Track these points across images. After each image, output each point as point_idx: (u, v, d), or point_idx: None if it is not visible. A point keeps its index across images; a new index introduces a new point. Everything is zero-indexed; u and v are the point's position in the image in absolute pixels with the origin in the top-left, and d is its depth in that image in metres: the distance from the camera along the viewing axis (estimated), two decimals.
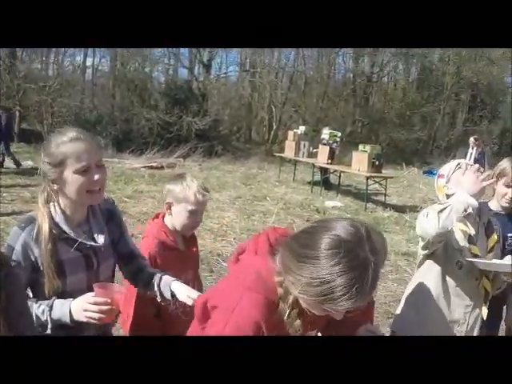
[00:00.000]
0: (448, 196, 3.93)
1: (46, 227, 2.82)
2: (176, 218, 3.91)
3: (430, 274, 4.00)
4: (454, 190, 3.84)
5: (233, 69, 40.73)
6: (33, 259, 2.81)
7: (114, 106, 33.65)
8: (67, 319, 2.74)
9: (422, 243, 3.87)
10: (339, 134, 20.58)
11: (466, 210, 3.55)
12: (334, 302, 2.00)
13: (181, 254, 3.94)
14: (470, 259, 3.79)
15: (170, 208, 3.91)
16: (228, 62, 40.74)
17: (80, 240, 2.91)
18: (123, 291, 2.85)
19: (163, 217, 4.00)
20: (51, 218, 2.88)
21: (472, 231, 3.91)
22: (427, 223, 3.60)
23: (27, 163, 20.62)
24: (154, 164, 22.80)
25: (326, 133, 20.29)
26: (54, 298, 2.80)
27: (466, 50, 38.87)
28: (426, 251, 3.94)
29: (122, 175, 19.45)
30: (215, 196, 16.37)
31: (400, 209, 16.86)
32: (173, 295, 3.24)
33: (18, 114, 31.07)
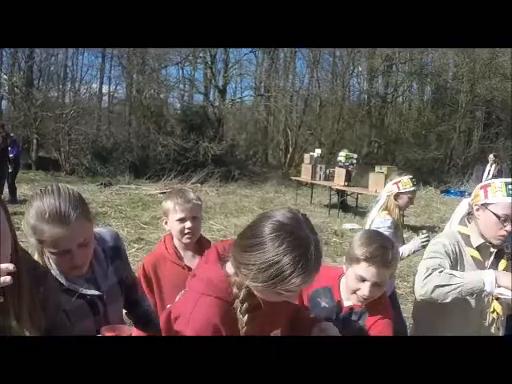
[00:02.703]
0: (477, 207, 3.78)
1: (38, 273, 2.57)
2: (172, 231, 4.11)
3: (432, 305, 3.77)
4: (481, 218, 3.73)
5: (247, 93, 40.78)
6: None
7: (131, 132, 33.74)
8: None
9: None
10: (355, 156, 20.53)
11: (474, 294, 3.46)
12: (285, 282, 2.15)
13: (185, 268, 4.03)
14: (497, 293, 3.49)
15: (166, 224, 4.14)
16: (243, 87, 40.70)
17: (79, 292, 2.76)
18: (132, 332, 2.75)
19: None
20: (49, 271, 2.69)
21: (484, 259, 3.80)
22: (420, 284, 3.50)
23: None
24: (172, 190, 22.71)
25: (342, 155, 20.25)
26: None
27: (480, 66, 38.86)
28: None
29: (139, 201, 19.49)
30: (233, 221, 16.39)
31: (418, 229, 16.65)
32: None
33: (35, 141, 31.29)
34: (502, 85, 39.45)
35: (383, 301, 3.35)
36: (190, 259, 4.09)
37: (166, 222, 4.13)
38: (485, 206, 3.70)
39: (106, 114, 37.08)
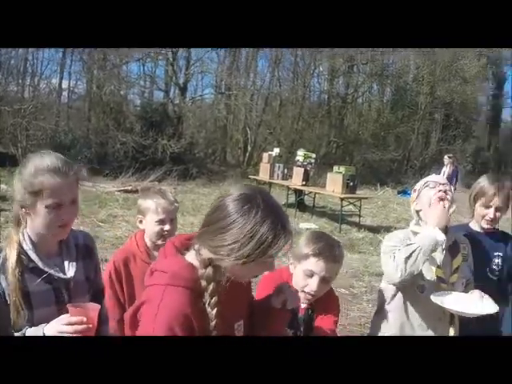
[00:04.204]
0: (417, 212, 4.04)
1: (13, 254, 2.69)
2: (146, 231, 4.05)
3: (391, 303, 4.01)
4: (420, 207, 3.99)
5: (208, 91, 40.63)
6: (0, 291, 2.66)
7: (90, 129, 33.50)
8: None
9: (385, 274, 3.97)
10: (313, 156, 20.61)
11: (435, 249, 3.64)
12: (270, 248, 2.24)
13: None
14: (435, 300, 3.72)
15: (141, 223, 4.08)
16: (203, 85, 40.60)
17: (49, 271, 2.77)
18: (98, 308, 2.72)
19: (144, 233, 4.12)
20: (20, 245, 2.74)
21: (437, 255, 3.89)
22: (393, 269, 3.63)
23: (2, 187, 20.47)
24: (129, 187, 22.66)
25: (300, 154, 20.32)
26: (26, 327, 2.68)
27: (440, 69, 39.35)
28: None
29: (96, 199, 19.30)
30: (190, 220, 16.34)
31: (374, 229, 16.94)
32: None
33: None
34: (462, 88, 40.15)
35: (330, 299, 3.58)
36: None
37: (141, 221, 4.08)
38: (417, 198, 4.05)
39: (65, 109, 36.75)
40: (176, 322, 2.22)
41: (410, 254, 3.55)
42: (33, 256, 2.76)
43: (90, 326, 2.63)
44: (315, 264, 3.27)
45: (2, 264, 2.69)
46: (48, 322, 2.68)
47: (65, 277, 2.85)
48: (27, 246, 2.76)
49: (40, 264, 2.76)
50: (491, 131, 46.57)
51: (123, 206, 18.26)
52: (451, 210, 3.81)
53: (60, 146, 29.29)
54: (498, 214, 4.39)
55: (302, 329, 3.40)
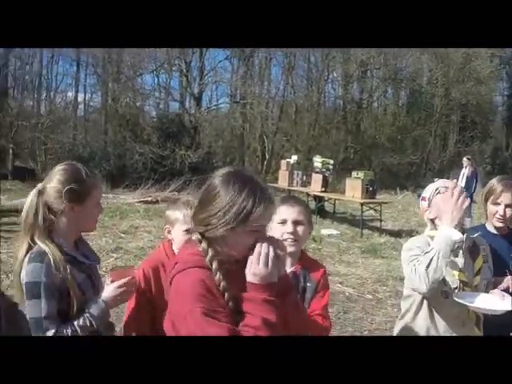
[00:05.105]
0: (432, 221, 3.98)
1: (59, 255, 3.02)
2: (175, 240, 4.09)
3: (416, 309, 3.97)
4: (435, 214, 3.92)
5: (223, 100, 40.74)
6: (58, 287, 2.99)
7: (107, 141, 33.63)
8: (105, 310, 3.17)
9: (408, 283, 3.94)
10: (332, 162, 20.60)
11: (453, 250, 3.58)
12: (251, 214, 2.45)
13: None
14: (459, 300, 3.67)
15: (169, 233, 4.12)
16: (218, 94, 40.69)
17: (84, 261, 3.21)
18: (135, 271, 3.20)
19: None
20: (59, 246, 3.08)
21: (458, 259, 3.87)
22: (417, 281, 3.60)
23: (21, 201, 20.57)
24: (149, 198, 22.71)
25: (318, 161, 20.29)
26: (88, 309, 3.10)
27: (454, 71, 39.21)
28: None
29: (116, 210, 19.35)
30: None
31: (396, 234, 16.87)
32: None
33: (10, 151, 31.09)
34: (476, 88, 39.88)
35: (311, 258, 3.93)
36: None
37: (170, 231, 4.12)
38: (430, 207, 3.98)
39: (82, 122, 36.97)
40: (200, 289, 2.38)
41: (430, 262, 3.52)
42: (73, 253, 3.15)
43: (134, 284, 3.33)
44: (284, 211, 3.62)
45: (54, 264, 2.99)
46: (90, 307, 3.13)
47: (92, 262, 3.28)
48: (64, 245, 3.12)
49: (79, 258, 3.16)
50: (508, 131, 46.27)
51: (144, 217, 18.33)
52: (465, 203, 3.77)
53: (78, 159, 29.43)
54: (508, 210, 4.40)
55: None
